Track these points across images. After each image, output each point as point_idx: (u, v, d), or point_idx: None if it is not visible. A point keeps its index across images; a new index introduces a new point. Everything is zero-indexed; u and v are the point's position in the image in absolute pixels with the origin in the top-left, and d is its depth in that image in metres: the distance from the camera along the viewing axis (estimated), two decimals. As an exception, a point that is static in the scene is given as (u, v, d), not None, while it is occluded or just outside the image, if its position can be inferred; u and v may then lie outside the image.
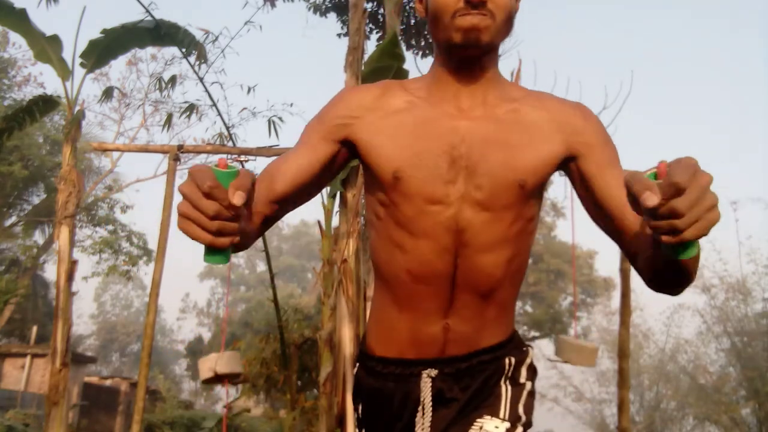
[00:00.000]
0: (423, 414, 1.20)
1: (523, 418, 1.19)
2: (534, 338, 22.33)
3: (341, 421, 4.77)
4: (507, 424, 1.16)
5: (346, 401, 4.76)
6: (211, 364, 4.86)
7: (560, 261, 22.34)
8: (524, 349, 1.28)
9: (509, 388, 1.22)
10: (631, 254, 1.09)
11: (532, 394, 1.24)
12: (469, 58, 1.16)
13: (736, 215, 16.38)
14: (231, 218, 0.81)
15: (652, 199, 0.74)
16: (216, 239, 0.81)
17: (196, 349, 23.88)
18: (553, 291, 22.57)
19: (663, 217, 0.76)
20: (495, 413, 1.18)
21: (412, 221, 1.16)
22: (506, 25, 1.15)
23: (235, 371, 4.92)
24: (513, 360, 1.24)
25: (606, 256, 25.32)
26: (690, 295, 16.52)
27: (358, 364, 1.33)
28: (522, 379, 1.24)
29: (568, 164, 1.20)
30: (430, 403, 1.20)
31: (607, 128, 1.25)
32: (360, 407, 1.31)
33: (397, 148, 1.15)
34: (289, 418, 6.80)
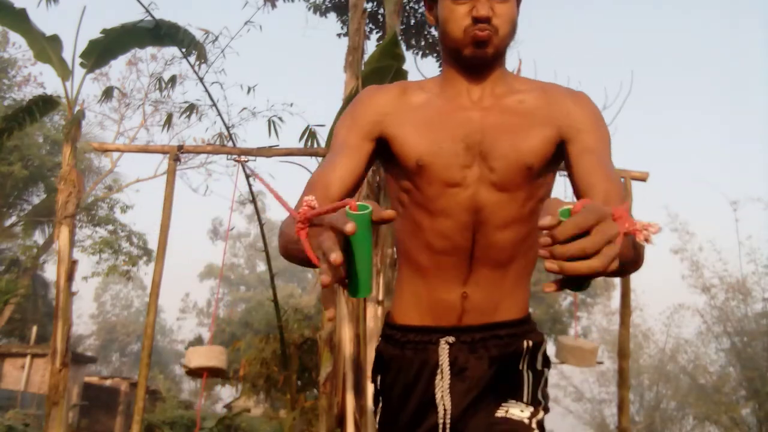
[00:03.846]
0: (442, 377, 1.27)
1: (543, 403, 1.28)
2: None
3: (341, 421, 4.77)
4: (531, 408, 1.26)
5: (346, 401, 4.76)
6: (200, 355, 4.97)
7: (560, 261, 22.24)
8: (541, 333, 1.35)
9: (530, 374, 1.30)
10: None
11: (547, 381, 1.33)
12: (477, 65, 1.28)
13: (736, 215, 16.39)
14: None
15: (544, 220, 0.74)
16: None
17: (196, 349, 23.84)
18: (553, 291, 22.52)
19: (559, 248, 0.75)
20: (519, 398, 1.26)
21: (433, 203, 1.28)
22: (510, 35, 1.27)
23: (220, 366, 5.01)
24: (531, 343, 1.31)
25: (606, 256, 25.23)
26: (690, 295, 16.54)
27: (380, 339, 1.41)
28: (540, 367, 1.32)
29: (564, 148, 1.28)
30: (448, 368, 1.27)
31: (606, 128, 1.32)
32: (378, 379, 1.38)
33: (419, 138, 1.27)
34: (289, 418, 6.80)
